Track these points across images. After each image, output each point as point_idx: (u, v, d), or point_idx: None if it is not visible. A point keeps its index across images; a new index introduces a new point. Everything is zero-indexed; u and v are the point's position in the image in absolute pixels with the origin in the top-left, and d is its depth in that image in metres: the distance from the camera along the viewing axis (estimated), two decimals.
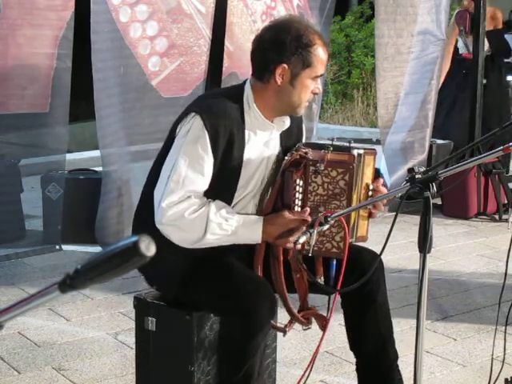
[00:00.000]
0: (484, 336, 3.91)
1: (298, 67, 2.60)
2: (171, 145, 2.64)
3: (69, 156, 7.48)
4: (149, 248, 1.17)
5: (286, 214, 2.61)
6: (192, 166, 2.56)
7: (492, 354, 3.07)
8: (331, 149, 2.63)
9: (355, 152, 2.64)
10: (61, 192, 5.09)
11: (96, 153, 5.82)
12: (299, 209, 2.64)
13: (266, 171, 2.74)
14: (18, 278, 4.69)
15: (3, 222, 4.88)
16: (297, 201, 2.63)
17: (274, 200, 2.70)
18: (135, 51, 5.13)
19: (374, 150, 2.77)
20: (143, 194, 2.79)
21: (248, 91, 2.68)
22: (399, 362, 2.89)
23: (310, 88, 2.65)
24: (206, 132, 2.56)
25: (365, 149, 2.71)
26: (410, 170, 2.38)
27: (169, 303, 2.77)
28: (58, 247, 5.13)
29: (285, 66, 2.60)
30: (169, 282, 2.71)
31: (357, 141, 7.92)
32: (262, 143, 2.72)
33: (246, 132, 2.66)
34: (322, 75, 2.69)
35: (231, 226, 2.58)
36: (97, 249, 4.95)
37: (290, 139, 2.80)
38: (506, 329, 3.02)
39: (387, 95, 6.41)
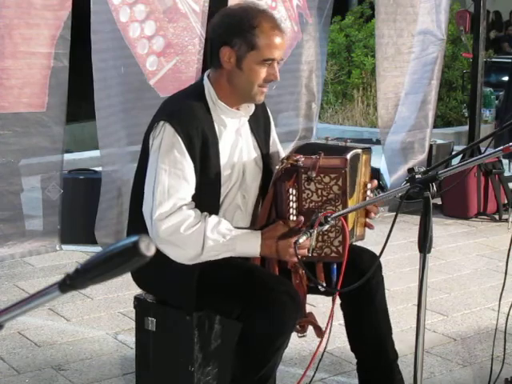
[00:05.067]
0: (484, 336, 3.91)
1: (243, 49, 2.57)
2: (146, 157, 2.63)
3: (69, 156, 7.51)
4: (149, 248, 1.17)
5: (281, 226, 2.59)
6: (173, 173, 2.54)
7: (492, 354, 3.07)
8: (323, 154, 2.61)
9: (348, 155, 2.63)
10: (61, 192, 5.09)
11: (96, 153, 5.82)
12: (294, 217, 2.61)
13: (245, 159, 2.73)
14: (18, 277, 4.69)
15: (3, 222, 4.88)
16: (291, 210, 2.61)
17: (269, 211, 2.68)
18: (134, 51, 5.13)
19: (370, 148, 2.78)
20: (131, 213, 2.77)
21: (208, 86, 2.67)
22: (399, 362, 2.89)
23: (261, 73, 2.60)
24: (179, 138, 2.55)
25: (361, 148, 2.72)
26: (410, 170, 2.37)
27: (169, 303, 2.76)
28: (57, 247, 5.13)
29: (229, 48, 2.58)
30: (184, 293, 2.65)
31: (357, 141, 7.94)
32: (233, 133, 2.71)
33: (216, 127, 2.65)
34: (274, 59, 2.60)
35: (229, 242, 2.55)
36: (97, 249, 4.95)
37: (258, 124, 2.81)
38: (505, 329, 3.02)
39: (387, 95, 6.42)
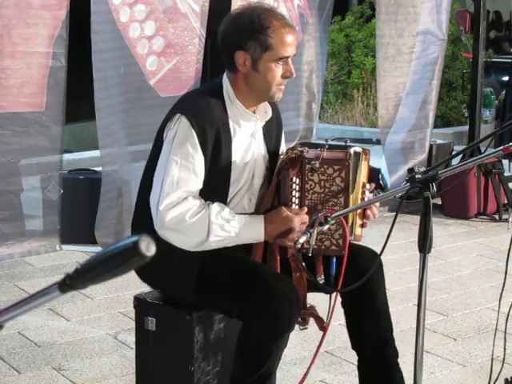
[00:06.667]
0: (484, 336, 3.91)
1: (257, 51, 2.59)
2: (160, 149, 2.63)
3: (69, 156, 7.50)
4: (149, 248, 1.17)
5: (284, 210, 2.61)
6: (184, 166, 2.56)
7: (492, 354, 3.06)
8: (327, 147, 2.64)
9: (351, 150, 2.66)
10: (61, 192, 5.09)
11: (96, 153, 5.82)
12: (297, 207, 2.64)
13: (256, 163, 2.75)
14: (18, 277, 4.69)
15: (3, 221, 4.88)
16: (294, 199, 2.64)
17: (272, 199, 2.70)
18: (134, 51, 5.13)
19: (368, 149, 2.80)
20: (138, 204, 2.78)
21: (227, 85, 2.68)
22: (399, 362, 2.89)
23: (277, 71, 2.62)
24: (193, 131, 2.56)
25: (362, 148, 2.75)
26: (410, 170, 2.38)
27: (169, 303, 2.76)
28: (57, 247, 5.13)
29: (243, 52, 2.59)
30: (184, 288, 2.66)
31: (357, 141, 7.95)
32: (247, 135, 2.72)
33: (231, 126, 2.66)
34: (288, 57, 2.63)
35: (233, 227, 2.58)
36: (97, 249, 4.95)
37: (271, 131, 2.82)
38: (506, 329, 3.01)
39: (387, 95, 6.42)
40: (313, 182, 2.63)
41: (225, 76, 2.71)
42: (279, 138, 2.91)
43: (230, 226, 2.58)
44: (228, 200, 2.69)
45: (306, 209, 2.62)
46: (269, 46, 2.59)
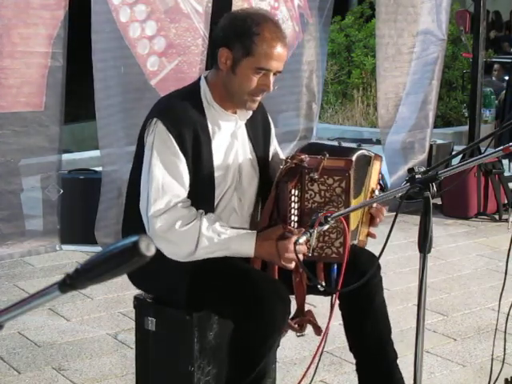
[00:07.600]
0: (484, 336, 3.91)
1: (239, 54, 2.57)
2: (142, 154, 2.63)
3: (69, 156, 7.51)
4: (149, 248, 1.17)
5: (281, 229, 2.58)
6: (167, 172, 2.55)
7: (492, 354, 3.07)
8: (327, 155, 2.60)
9: (354, 157, 2.62)
10: (61, 192, 5.09)
11: (96, 153, 5.82)
12: (296, 218, 2.61)
13: (241, 162, 2.72)
14: (18, 277, 4.69)
15: (3, 221, 4.88)
16: (293, 210, 2.60)
17: (271, 211, 2.67)
18: (134, 51, 5.13)
19: (380, 156, 2.78)
20: (126, 210, 2.78)
21: (204, 87, 2.67)
22: (399, 362, 2.89)
23: (253, 80, 2.58)
24: (170, 136, 2.55)
25: (374, 153, 2.73)
26: (410, 170, 2.37)
27: (168, 303, 2.76)
28: (57, 247, 5.13)
29: (227, 49, 2.58)
30: (177, 292, 2.66)
31: (357, 141, 7.94)
32: (228, 135, 2.70)
33: (210, 127, 2.65)
34: (269, 70, 2.58)
35: (223, 240, 2.55)
36: (97, 249, 4.95)
37: (255, 129, 2.80)
38: (506, 329, 3.01)
39: (388, 95, 6.42)
40: (313, 191, 2.60)
41: (203, 78, 2.70)
42: (267, 137, 2.87)
43: (219, 239, 2.55)
44: (216, 202, 2.67)
45: (303, 230, 2.59)
46: (251, 52, 2.55)
